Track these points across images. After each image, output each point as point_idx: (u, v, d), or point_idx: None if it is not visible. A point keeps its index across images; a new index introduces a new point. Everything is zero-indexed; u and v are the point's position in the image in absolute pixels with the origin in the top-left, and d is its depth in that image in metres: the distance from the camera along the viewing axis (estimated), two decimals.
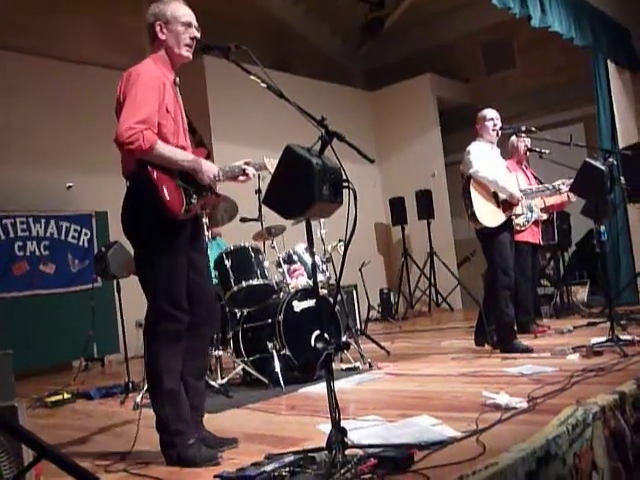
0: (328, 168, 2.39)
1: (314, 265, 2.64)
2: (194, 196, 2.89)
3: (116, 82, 2.89)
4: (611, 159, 4.75)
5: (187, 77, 3.38)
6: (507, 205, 5.09)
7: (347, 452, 2.33)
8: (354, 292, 7.70)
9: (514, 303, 5.15)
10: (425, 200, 10.35)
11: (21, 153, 7.41)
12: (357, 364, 5.02)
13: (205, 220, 4.17)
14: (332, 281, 5.39)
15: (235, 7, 8.86)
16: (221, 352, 4.82)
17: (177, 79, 3.03)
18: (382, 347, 5.79)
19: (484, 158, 5.09)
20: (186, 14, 2.98)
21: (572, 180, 5.13)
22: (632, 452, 2.85)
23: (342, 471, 2.19)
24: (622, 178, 5.68)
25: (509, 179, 5.23)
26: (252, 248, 5.07)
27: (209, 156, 3.11)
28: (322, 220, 5.24)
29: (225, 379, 4.62)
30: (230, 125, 8.70)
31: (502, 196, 5.07)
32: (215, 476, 2.44)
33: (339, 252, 5.32)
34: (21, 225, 7.18)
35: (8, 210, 7.09)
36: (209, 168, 2.95)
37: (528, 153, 6.04)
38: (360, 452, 2.41)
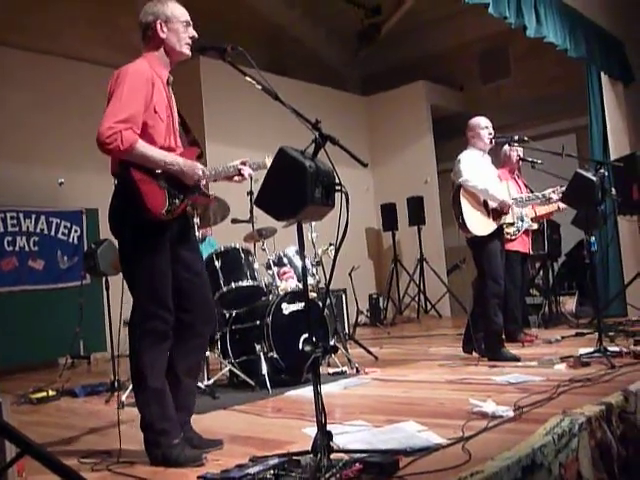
0: (321, 171, 2.39)
1: (304, 268, 2.64)
2: (179, 197, 2.87)
3: (108, 78, 2.88)
4: (602, 170, 4.77)
5: (182, 77, 3.37)
6: (497, 214, 5.10)
7: (332, 456, 2.32)
8: (343, 296, 7.69)
9: (503, 312, 5.15)
10: (416, 206, 10.36)
11: (12, 148, 7.38)
12: (344, 369, 5.02)
13: (196, 220, 4.15)
14: (322, 285, 5.39)
15: (231, 10, 8.88)
16: (208, 353, 4.80)
17: (170, 77, 3.02)
18: (370, 352, 5.79)
19: (475, 167, 5.10)
20: (184, 13, 2.99)
21: (562, 188, 5.16)
22: (618, 464, 2.85)
23: (327, 475, 2.18)
24: (613, 189, 5.71)
25: (499, 188, 5.24)
26: (242, 249, 5.05)
27: (202, 155, 3.10)
28: (313, 223, 5.24)
29: (212, 380, 4.60)
30: (223, 126, 8.68)
31: (492, 205, 5.08)
32: (199, 477, 2.43)
33: (329, 256, 5.32)
34: (11, 220, 7.15)
35: None
36: (191, 170, 2.91)
37: (520, 163, 6.06)
38: (345, 457, 2.40)
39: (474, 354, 5.23)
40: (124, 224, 2.84)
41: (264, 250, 5.28)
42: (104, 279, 5.22)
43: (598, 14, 7.76)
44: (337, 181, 2.45)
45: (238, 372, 4.75)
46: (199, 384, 4.43)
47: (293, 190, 2.35)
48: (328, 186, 2.42)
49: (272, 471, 2.29)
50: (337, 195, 2.45)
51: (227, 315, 5.10)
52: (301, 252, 2.64)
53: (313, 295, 5.13)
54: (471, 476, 2.14)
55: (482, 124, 5.23)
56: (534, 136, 6.04)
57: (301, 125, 2.53)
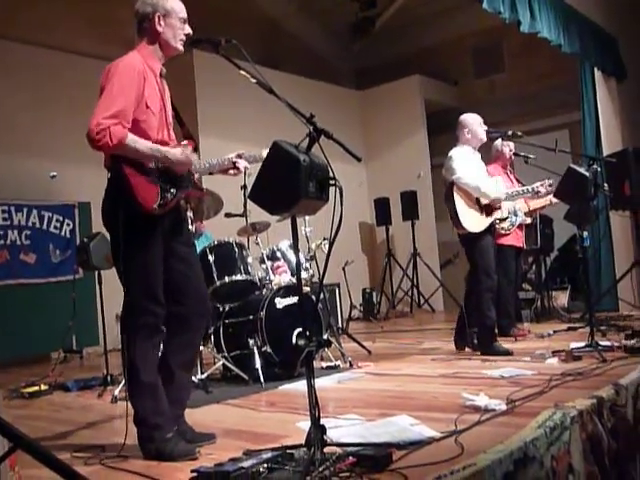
0: (315, 165, 2.39)
1: (298, 262, 2.64)
2: (171, 190, 2.87)
3: (100, 72, 2.87)
4: (595, 166, 4.78)
5: (175, 70, 3.35)
6: (490, 209, 5.12)
7: (326, 450, 2.33)
8: (337, 291, 7.71)
9: (495, 306, 5.17)
10: (410, 201, 10.37)
11: (4, 141, 7.32)
12: (338, 363, 5.03)
13: (190, 214, 4.14)
14: (315, 279, 5.39)
15: (226, 3, 8.83)
16: (202, 347, 4.79)
17: (163, 70, 3.00)
18: (363, 346, 5.80)
19: (467, 163, 5.11)
20: (182, 9, 2.98)
21: (550, 181, 5.18)
22: (608, 457, 2.87)
23: (320, 469, 2.19)
24: (606, 185, 5.72)
25: (490, 183, 5.24)
26: (236, 243, 5.05)
27: (196, 149, 3.09)
28: (307, 218, 5.24)
29: (205, 374, 4.59)
30: (217, 120, 8.65)
31: (484, 201, 5.10)
32: (192, 471, 2.43)
33: (323, 250, 5.32)
34: (3, 214, 7.12)
35: None
36: (184, 156, 2.90)
37: (513, 158, 6.07)
38: (339, 450, 2.41)
39: (466, 349, 5.25)
40: (116, 218, 2.82)
41: (258, 244, 5.28)
42: (97, 273, 5.20)
43: (592, 10, 7.78)
44: (331, 175, 2.45)
45: (231, 366, 4.75)
46: (192, 378, 4.42)
47: (287, 184, 2.35)
48: (322, 180, 2.41)
49: (266, 465, 2.29)
50: (331, 189, 2.45)
51: (220, 309, 5.09)
52: (295, 246, 2.64)
53: (307, 289, 5.13)
54: (463, 469, 2.15)
55: (479, 121, 5.22)
56: (527, 131, 6.03)
57: (295, 119, 2.52)
